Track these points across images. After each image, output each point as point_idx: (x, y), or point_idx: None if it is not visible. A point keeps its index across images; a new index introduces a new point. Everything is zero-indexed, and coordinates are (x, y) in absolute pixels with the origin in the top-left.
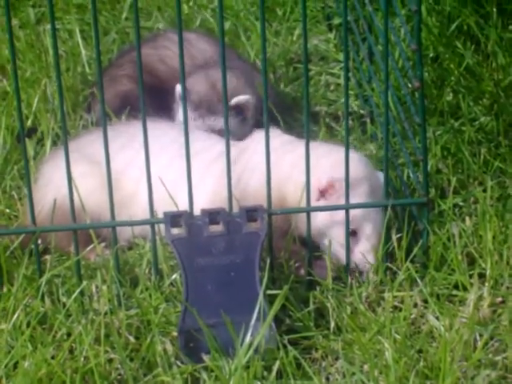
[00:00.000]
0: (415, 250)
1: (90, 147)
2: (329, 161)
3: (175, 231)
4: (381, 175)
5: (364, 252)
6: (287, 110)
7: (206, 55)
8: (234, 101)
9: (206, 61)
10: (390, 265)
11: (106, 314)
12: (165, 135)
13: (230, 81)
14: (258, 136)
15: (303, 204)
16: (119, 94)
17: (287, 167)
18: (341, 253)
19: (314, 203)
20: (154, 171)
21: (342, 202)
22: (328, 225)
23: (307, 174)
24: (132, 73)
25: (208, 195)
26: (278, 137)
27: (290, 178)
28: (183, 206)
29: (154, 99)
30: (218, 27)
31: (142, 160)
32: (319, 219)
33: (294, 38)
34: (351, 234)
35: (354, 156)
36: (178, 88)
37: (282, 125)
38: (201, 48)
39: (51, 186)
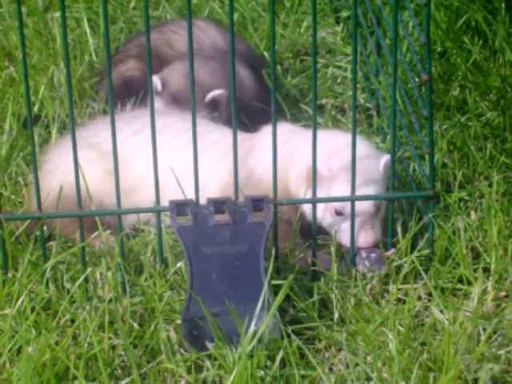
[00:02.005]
0: (420, 243)
1: (97, 135)
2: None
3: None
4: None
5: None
6: (292, 102)
7: (213, 41)
8: (208, 97)
9: (214, 47)
10: (394, 257)
11: (110, 300)
12: (177, 124)
13: (205, 75)
14: (266, 129)
15: (301, 192)
16: (122, 77)
17: (287, 157)
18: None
19: (304, 190)
20: (165, 158)
21: (324, 189)
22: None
23: (314, 165)
24: (138, 53)
25: (208, 183)
26: (283, 127)
27: (290, 167)
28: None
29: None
30: (228, 18)
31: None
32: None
33: (302, 31)
34: (338, 214)
35: (343, 140)
36: (154, 79)
37: (289, 117)
38: (209, 34)
39: (57, 172)
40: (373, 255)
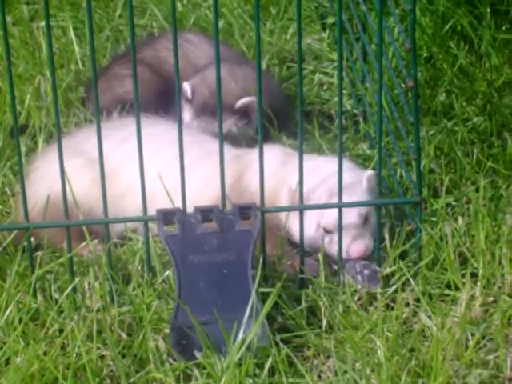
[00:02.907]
0: (408, 249)
1: (84, 143)
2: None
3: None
4: (363, 173)
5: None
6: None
7: (210, 56)
8: (238, 104)
9: (209, 63)
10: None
11: (98, 310)
12: (166, 133)
13: (236, 82)
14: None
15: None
16: (116, 98)
17: (282, 180)
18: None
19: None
20: (155, 167)
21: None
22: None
23: (300, 174)
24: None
25: (193, 194)
26: (279, 148)
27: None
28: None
29: (160, 100)
30: (213, 25)
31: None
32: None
33: (288, 37)
34: (327, 232)
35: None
36: (185, 86)
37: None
38: (204, 49)
39: (43, 182)
40: (366, 271)
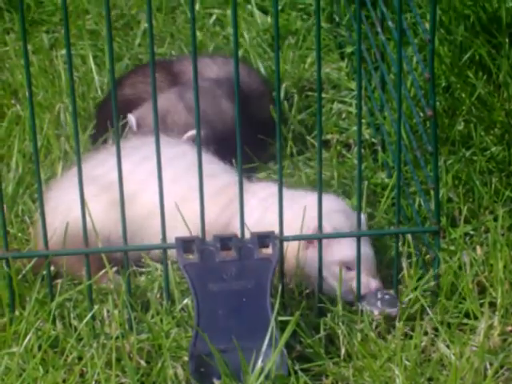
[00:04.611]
0: (426, 278)
1: (96, 169)
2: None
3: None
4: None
5: (365, 280)
6: (297, 137)
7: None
8: (185, 137)
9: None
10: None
11: (117, 338)
12: (184, 158)
13: (181, 113)
14: (256, 186)
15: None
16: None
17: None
18: (335, 285)
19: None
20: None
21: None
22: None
23: (319, 204)
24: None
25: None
26: (266, 188)
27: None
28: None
29: None
30: (233, 54)
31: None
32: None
33: (307, 66)
34: (348, 269)
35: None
36: (129, 118)
37: (295, 151)
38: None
39: (59, 211)
40: (386, 297)
